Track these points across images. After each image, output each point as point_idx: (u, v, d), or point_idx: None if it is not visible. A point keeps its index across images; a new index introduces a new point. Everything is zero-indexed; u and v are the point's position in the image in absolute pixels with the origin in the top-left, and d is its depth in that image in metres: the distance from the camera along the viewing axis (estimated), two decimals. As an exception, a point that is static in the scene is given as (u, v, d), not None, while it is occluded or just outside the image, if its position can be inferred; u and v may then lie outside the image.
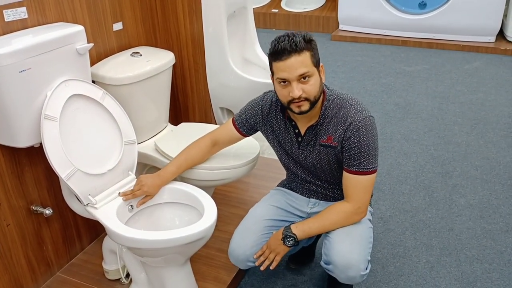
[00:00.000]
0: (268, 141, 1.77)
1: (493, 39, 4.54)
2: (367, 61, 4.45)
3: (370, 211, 1.72)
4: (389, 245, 2.11)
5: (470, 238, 2.15)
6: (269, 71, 2.45)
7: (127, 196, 1.68)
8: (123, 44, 2.11)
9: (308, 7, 5.62)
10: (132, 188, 1.71)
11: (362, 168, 1.53)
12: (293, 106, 1.51)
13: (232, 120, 1.78)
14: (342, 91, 1.61)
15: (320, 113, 1.57)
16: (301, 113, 1.51)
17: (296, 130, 1.63)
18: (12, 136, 1.55)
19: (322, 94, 1.56)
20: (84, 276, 1.93)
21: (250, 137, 1.89)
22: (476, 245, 2.10)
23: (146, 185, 1.68)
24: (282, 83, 1.49)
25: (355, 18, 5.03)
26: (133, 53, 2.05)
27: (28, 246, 1.80)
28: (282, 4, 5.75)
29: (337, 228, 1.59)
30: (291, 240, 1.58)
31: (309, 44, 1.46)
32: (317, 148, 1.61)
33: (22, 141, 1.57)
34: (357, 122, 1.52)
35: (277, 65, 1.47)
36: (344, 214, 1.58)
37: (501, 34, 4.63)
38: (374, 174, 1.56)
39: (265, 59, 2.47)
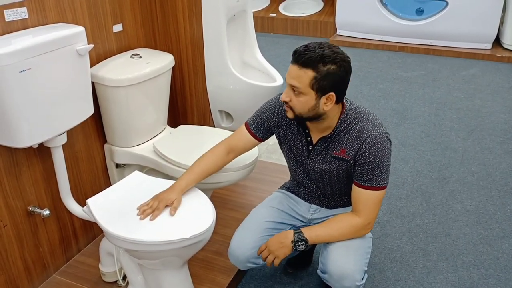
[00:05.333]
0: (280, 144, 1.75)
1: (489, 46, 4.57)
2: (364, 66, 4.47)
3: None
4: (386, 250, 2.12)
5: (467, 243, 2.16)
6: (268, 75, 2.49)
7: (154, 213, 1.53)
8: (123, 45, 2.11)
9: (306, 12, 5.63)
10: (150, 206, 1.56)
11: (374, 184, 1.52)
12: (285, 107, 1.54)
13: (245, 125, 1.72)
14: (362, 105, 1.59)
15: (336, 126, 1.55)
16: (288, 117, 1.55)
17: (308, 139, 1.62)
18: (11, 136, 1.54)
19: (341, 107, 1.55)
20: (81, 278, 1.92)
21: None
22: (473, 251, 2.11)
23: (161, 197, 1.57)
24: None
25: (353, 23, 5.05)
26: (132, 55, 2.05)
27: (25, 247, 1.79)
28: (280, 9, 5.76)
29: (344, 240, 1.57)
30: (303, 244, 1.56)
31: (321, 66, 1.40)
32: (328, 160, 1.59)
33: (21, 142, 1.56)
34: (373, 137, 1.50)
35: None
36: (354, 228, 1.56)
37: (497, 41, 4.66)
38: (385, 190, 1.55)
39: (264, 62, 2.48)
